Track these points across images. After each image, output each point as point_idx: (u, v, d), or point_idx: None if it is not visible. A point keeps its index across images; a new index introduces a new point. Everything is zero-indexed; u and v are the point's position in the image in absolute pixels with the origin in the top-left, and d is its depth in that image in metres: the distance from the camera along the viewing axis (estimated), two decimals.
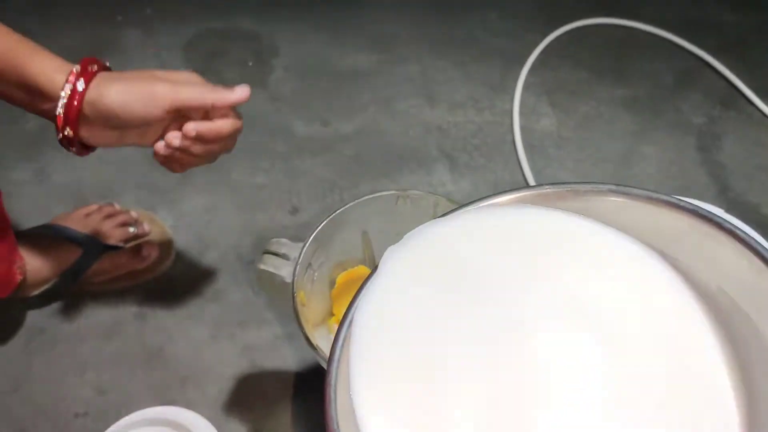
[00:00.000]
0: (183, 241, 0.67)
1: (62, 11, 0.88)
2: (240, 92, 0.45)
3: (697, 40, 0.83)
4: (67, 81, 0.40)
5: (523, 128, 0.75)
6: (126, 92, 0.42)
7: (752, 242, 0.28)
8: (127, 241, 0.64)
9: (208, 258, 0.66)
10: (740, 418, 0.27)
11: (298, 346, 0.59)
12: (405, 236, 0.31)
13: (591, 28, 0.85)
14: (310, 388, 0.57)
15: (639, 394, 0.27)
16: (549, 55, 0.82)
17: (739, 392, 0.28)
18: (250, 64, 0.82)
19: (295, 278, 0.37)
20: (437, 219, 0.31)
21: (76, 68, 0.41)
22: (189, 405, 0.56)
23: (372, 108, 0.77)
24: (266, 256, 0.39)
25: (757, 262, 0.28)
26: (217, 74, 0.81)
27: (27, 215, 0.67)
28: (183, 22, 0.87)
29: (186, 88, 0.43)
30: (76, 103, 0.41)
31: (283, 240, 0.40)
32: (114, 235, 0.63)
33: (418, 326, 0.28)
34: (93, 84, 0.41)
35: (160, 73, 0.44)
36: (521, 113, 0.76)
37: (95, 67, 0.42)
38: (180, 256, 0.66)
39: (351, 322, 0.28)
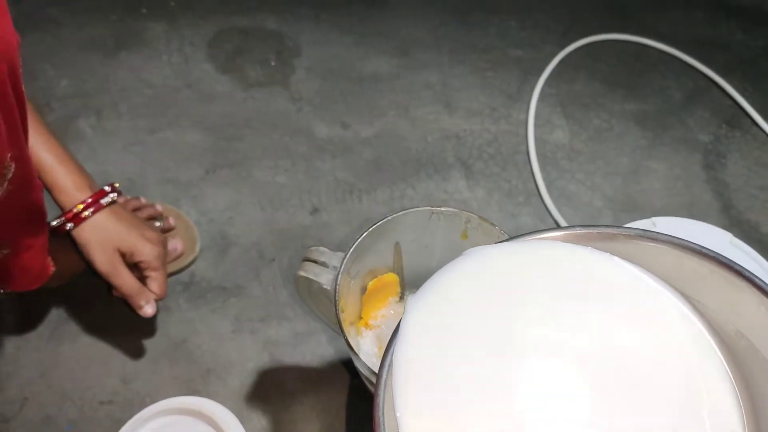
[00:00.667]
0: (206, 236, 0.69)
1: (87, 1, 0.89)
2: (148, 311, 0.56)
3: (706, 59, 0.85)
4: (81, 203, 0.51)
5: (537, 139, 0.77)
6: (98, 243, 0.52)
7: (650, 234, 0.30)
8: None
9: (231, 254, 0.68)
10: None
11: (317, 343, 0.62)
12: (444, 268, 0.32)
13: (607, 43, 0.88)
14: (328, 383, 0.60)
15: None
16: (565, 66, 0.85)
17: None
18: (273, 63, 0.84)
19: (338, 286, 0.39)
20: (473, 251, 0.32)
21: (89, 199, 0.52)
22: (211, 396, 0.59)
23: (391, 112, 0.80)
24: (306, 263, 0.42)
25: (674, 249, 0.30)
26: (239, 71, 0.83)
27: (52, 207, 0.68)
28: (207, 17, 0.88)
29: (126, 274, 0.54)
30: (82, 216, 0.51)
31: (322, 248, 0.42)
32: None
33: (455, 356, 0.30)
34: (93, 218, 0.52)
35: (145, 235, 0.55)
36: (536, 124, 0.79)
37: (107, 200, 0.53)
38: (203, 252, 0.68)
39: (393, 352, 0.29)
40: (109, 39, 0.86)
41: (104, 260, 0.52)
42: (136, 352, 0.62)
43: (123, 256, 0.53)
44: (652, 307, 0.33)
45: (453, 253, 0.47)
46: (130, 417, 0.56)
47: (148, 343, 0.62)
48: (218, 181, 0.73)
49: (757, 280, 0.30)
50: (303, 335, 0.62)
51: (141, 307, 0.55)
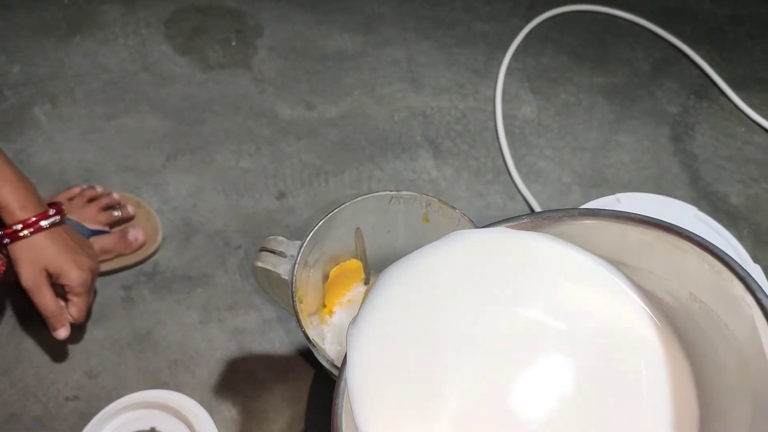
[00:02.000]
0: (169, 225, 0.67)
1: None
2: (61, 334, 0.56)
3: (674, 29, 0.85)
4: (21, 222, 0.52)
5: (505, 115, 0.76)
6: (28, 261, 0.53)
7: (708, 245, 0.31)
8: (111, 225, 0.65)
9: (195, 242, 0.66)
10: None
11: (286, 330, 0.61)
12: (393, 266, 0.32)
13: (574, 15, 0.86)
14: (298, 371, 0.59)
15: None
16: (532, 40, 0.84)
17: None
18: (234, 43, 0.81)
19: (295, 277, 0.38)
20: (426, 248, 0.32)
21: (31, 219, 0.53)
22: (179, 388, 0.58)
23: (357, 91, 0.78)
24: (263, 253, 0.40)
25: (717, 264, 0.30)
26: (199, 52, 0.80)
27: None
28: None
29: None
30: (20, 235, 0.53)
31: (280, 238, 0.41)
32: (98, 219, 0.63)
33: (408, 352, 0.30)
34: (30, 238, 0.53)
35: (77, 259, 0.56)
36: (503, 100, 0.77)
37: (47, 222, 0.54)
38: (166, 240, 0.66)
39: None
40: (62, 22, 0.82)
41: (29, 277, 0.53)
42: (100, 345, 0.61)
43: (50, 276, 0.54)
44: (589, 285, 0.33)
45: (415, 237, 0.47)
46: (97, 412, 0.55)
47: (113, 336, 0.61)
48: (180, 168, 0.71)
49: (695, 237, 0.31)
50: (272, 323, 0.61)
51: (55, 329, 0.56)
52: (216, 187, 0.70)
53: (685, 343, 0.32)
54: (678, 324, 0.33)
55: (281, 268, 0.40)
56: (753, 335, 0.28)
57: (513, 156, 0.73)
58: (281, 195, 0.70)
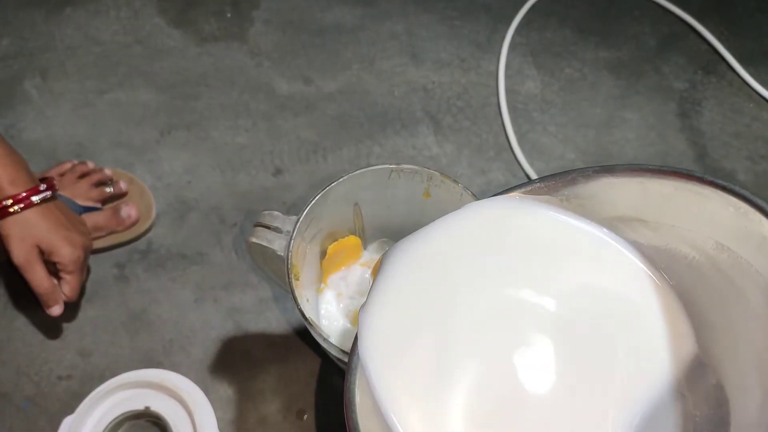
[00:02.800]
0: (163, 202, 0.65)
1: None
2: (55, 311, 0.55)
3: (682, 3, 0.82)
4: (11, 197, 0.51)
5: (508, 90, 0.74)
6: (19, 237, 0.52)
7: (731, 187, 0.29)
8: (104, 201, 0.63)
9: (190, 219, 0.65)
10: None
11: (283, 309, 0.60)
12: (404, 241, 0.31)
13: None
14: (296, 351, 0.58)
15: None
16: (536, 13, 0.81)
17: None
18: (229, 15, 0.79)
19: (290, 253, 0.37)
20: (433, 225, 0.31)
21: (21, 195, 0.51)
22: (174, 367, 0.57)
23: (356, 66, 0.76)
24: (258, 229, 0.39)
25: (742, 205, 0.29)
26: (193, 25, 0.78)
27: None
28: None
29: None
30: (9, 210, 0.51)
31: (276, 213, 0.39)
32: (90, 195, 0.62)
33: (421, 329, 0.31)
34: (20, 214, 0.52)
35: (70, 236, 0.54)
36: (506, 75, 0.75)
37: (38, 198, 0.52)
38: (160, 218, 0.65)
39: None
40: None
41: (21, 254, 0.52)
42: (94, 324, 0.59)
43: (42, 254, 0.53)
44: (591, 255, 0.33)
45: (416, 212, 0.45)
46: (90, 392, 0.54)
47: (107, 315, 0.60)
48: (174, 144, 0.69)
49: (716, 180, 0.29)
50: (268, 301, 0.60)
51: (49, 307, 0.55)
52: (211, 163, 0.68)
53: (699, 303, 0.31)
54: (697, 283, 0.31)
55: (276, 243, 0.38)
56: None
57: (516, 132, 0.71)
58: (278, 171, 0.68)
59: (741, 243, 0.30)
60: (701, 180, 0.30)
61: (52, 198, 0.54)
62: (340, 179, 0.40)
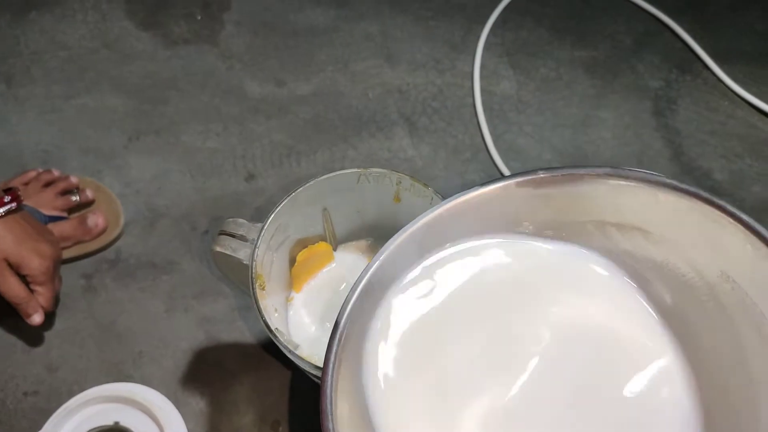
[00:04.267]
0: (132, 209, 0.64)
1: None
2: (36, 320, 0.54)
3: (656, 1, 0.82)
4: None
5: (483, 91, 0.74)
6: None
7: (756, 226, 0.28)
8: (70, 210, 0.61)
9: (160, 227, 0.63)
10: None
11: (256, 318, 0.57)
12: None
13: None
14: (269, 361, 0.57)
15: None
16: (511, 13, 0.81)
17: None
18: (199, 17, 0.77)
19: (254, 262, 0.36)
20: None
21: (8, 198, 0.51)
22: (144, 380, 0.55)
23: (330, 68, 0.75)
24: (222, 237, 0.38)
25: (763, 248, 0.28)
26: (162, 27, 0.76)
27: None
28: None
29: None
30: None
31: (240, 220, 0.38)
32: (56, 204, 0.60)
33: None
34: None
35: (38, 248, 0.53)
36: (481, 75, 0.75)
37: (2, 211, 0.51)
38: (129, 226, 0.63)
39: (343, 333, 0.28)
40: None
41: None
42: (61, 337, 0.58)
43: (11, 267, 0.52)
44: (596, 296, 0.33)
45: (387, 217, 0.44)
46: (57, 407, 0.53)
47: (74, 327, 0.58)
48: (143, 149, 0.67)
49: (741, 215, 0.28)
50: (241, 310, 0.59)
51: (29, 315, 0.53)
52: (182, 168, 0.66)
53: (687, 318, 0.31)
54: (688, 301, 0.31)
55: (241, 252, 0.37)
56: None
57: (492, 133, 0.71)
58: (250, 176, 0.66)
59: (751, 282, 0.29)
60: (723, 209, 0.28)
61: (18, 209, 0.53)
62: (306, 184, 0.39)
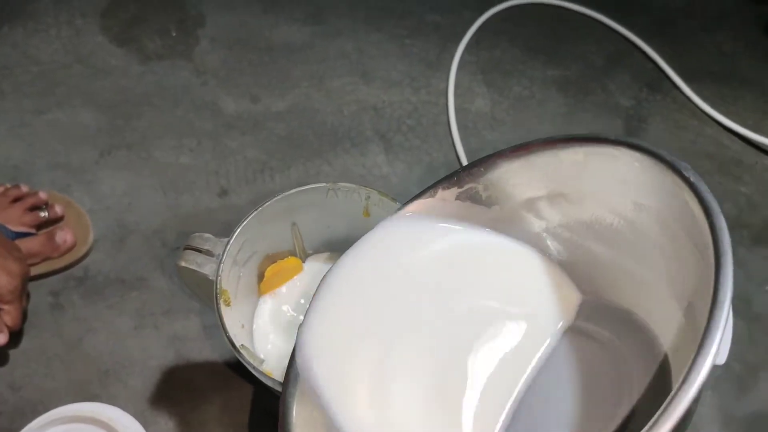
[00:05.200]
0: (101, 225, 0.63)
1: None
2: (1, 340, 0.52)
3: (627, 22, 0.84)
4: None
5: (457, 109, 0.74)
6: None
7: (630, 141, 0.30)
8: (38, 226, 0.60)
9: (130, 244, 0.62)
10: None
11: None
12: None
13: (527, 7, 0.85)
14: (240, 380, 0.56)
15: None
16: (485, 32, 0.82)
17: None
18: (174, 34, 0.77)
19: (219, 277, 0.35)
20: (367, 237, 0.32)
21: None
22: (111, 400, 0.54)
23: (305, 84, 0.75)
24: (187, 252, 0.37)
25: (645, 159, 0.30)
26: (137, 43, 0.76)
27: None
28: None
29: None
30: None
31: (206, 235, 0.38)
32: (24, 220, 0.59)
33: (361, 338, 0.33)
34: None
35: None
36: (456, 93, 0.75)
37: None
38: (99, 242, 0.62)
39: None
40: None
41: None
42: (26, 355, 0.56)
43: None
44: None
45: (356, 232, 0.44)
46: (21, 428, 0.51)
47: (40, 346, 0.57)
48: (114, 164, 0.67)
49: (619, 138, 0.30)
50: (211, 328, 0.58)
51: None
52: (153, 184, 0.66)
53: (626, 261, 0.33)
54: (623, 246, 0.33)
55: (207, 267, 0.37)
56: (691, 221, 0.27)
57: (466, 150, 0.71)
58: (224, 192, 0.66)
59: (652, 197, 0.30)
60: (606, 140, 0.31)
61: None
62: (274, 198, 0.39)
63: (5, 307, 0.52)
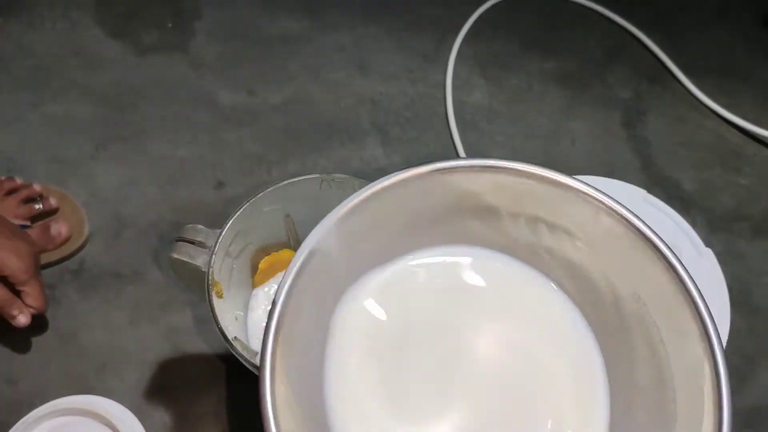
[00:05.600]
0: (97, 218, 0.62)
1: None
2: (21, 321, 0.52)
3: (627, 14, 0.83)
4: None
5: (455, 101, 0.74)
6: None
7: (578, 185, 0.29)
8: (33, 218, 0.60)
9: (126, 237, 0.62)
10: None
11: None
12: None
13: None
14: (237, 373, 0.56)
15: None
16: (483, 24, 0.81)
17: None
18: (170, 26, 0.77)
19: (211, 269, 0.35)
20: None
21: None
22: (107, 393, 0.54)
23: (302, 77, 0.74)
24: (179, 243, 0.37)
25: (594, 204, 0.30)
26: (133, 36, 0.76)
27: None
28: None
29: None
30: None
31: (199, 226, 0.37)
32: (18, 212, 0.59)
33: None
34: None
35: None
36: (454, 86, 0.75)
37: None
38: (94, 236, 0.62)
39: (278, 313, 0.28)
40: None
41: None
42: (22, 349, 0.56)
43: None
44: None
45: None
46: (17, 421, 0.51)
47: (36, 340, 0.57)
48: (110, 158, 0.66)
49: (569, 180, 0.29)
50: (209, 321, 0.56)
51: (14, 317, 0.51)
52: (149, 178, 0.65)
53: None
54: (588, 307, 0.32)
55: (200, 259, 0.36)
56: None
57: (463, 143, 0.71)
58: (220, 185, 0.66)
59: (658, 306, 0.30)
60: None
61: None
62: (267, 189, 0.38)
63: (24, 288, 0.51)
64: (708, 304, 0.27)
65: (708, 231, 0.67)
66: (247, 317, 0.42)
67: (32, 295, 0.52)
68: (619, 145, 0.73)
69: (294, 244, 0.45)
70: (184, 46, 0.75)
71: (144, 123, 0.69)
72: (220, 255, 0.36)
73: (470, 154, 0.70)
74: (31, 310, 0.52)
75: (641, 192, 0.49)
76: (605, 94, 0.77)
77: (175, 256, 0.36)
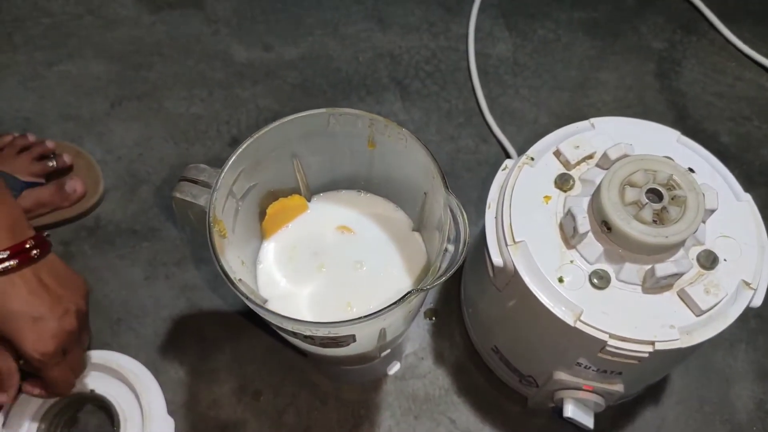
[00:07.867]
0: (113, 176, 0.62)
1: None
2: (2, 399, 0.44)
3: None
4: None
5: (478, 54, 0.71)
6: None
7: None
8: (48, 176, 0.59)
9: (141, 194, 0.61)
10: None
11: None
12: None
13: None
14: (251, 329, 0.55)
15: None
16: None
17: None
18: None
19: (213, 206, 0.33)
20: None
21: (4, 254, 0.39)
22: (122, 348, 0.53)
23: (318, 31, 0.72)
24: (182, 183, 0.35)
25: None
26: None
27: None
28: None
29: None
30: None
31: (202, 165, 0.36)
32: (32, 170, 0.58)
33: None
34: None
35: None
36: (477, 38, 0.72)
37: (12, 264, 0.39)
38: (110, 192, 0.61)
39: None
40: None
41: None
42: None
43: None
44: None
45: (362, 166, 0.42)
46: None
47: None
48: (125, 115, 0.65)
49: None
50: (223, 277, 0.56)
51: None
52: (164, 134, 0.64)
53: None
54: None
55: (203, 199, 0.35)
56: None
57: (486, 96, 0.68)
58: (235, 141, 0.64)
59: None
60: None
61: (38, 257, 0.41)
62: (271, 125, 0.36)
63: (41, 374, 0.43)
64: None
65: (746, 185, 0.63)
66: (258, 266, 0.41)
67: (39, 386, 0.44)
68: (652, 97, 0.69)
69: (304, 190, 0.43)
70: (198, 2, 0.73)
71: (159, 80, 0.68)
72: (222, 192, 0.35)
73: (493, 108, 0.67)
74: (35, 393, 0.45)
75: (675, 133, 0.46)
76: (638, 43, 0.73)
77: (178, 195, 0.35)
